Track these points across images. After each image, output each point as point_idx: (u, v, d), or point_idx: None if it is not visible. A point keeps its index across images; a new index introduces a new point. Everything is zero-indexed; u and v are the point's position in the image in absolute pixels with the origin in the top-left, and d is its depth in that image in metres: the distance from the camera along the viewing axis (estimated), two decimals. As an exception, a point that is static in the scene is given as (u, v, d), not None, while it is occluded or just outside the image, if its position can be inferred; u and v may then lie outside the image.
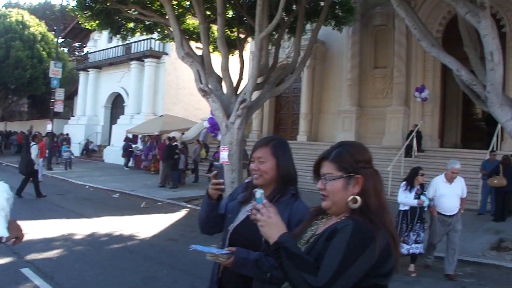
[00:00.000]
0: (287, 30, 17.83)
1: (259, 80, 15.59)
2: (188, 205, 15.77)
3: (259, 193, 2.33)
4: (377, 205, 2.15)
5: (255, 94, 15.62)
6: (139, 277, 7.77)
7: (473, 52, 12.68)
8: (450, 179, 8.77)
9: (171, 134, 24.86)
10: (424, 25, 13.07)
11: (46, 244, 9.77)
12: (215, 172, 3.22)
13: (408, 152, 20.48)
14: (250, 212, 2.28)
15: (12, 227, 2.11)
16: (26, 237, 7.23)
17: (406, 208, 8.96)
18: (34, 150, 16.28)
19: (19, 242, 2.22)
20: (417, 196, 8.79)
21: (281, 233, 2.10)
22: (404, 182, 9.11)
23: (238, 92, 15.22)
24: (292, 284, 2.03)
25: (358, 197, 2.15)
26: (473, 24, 10.90)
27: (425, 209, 9.03)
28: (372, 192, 2.17)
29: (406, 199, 8.92)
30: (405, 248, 8.75)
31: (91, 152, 35.46)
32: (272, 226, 2.14)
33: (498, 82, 10.54)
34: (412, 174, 9.05)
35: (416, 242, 8.88)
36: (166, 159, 20.84)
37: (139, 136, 30.22)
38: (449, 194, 8.77)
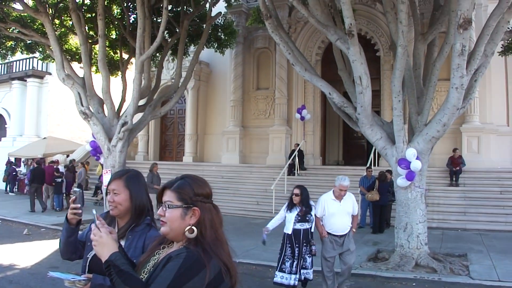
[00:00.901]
0: (170, 51, 17.99)
1: (142, 102, 15.63)
2: None
3: (93, 214, 2.57)
4: (213, 237, 2.37)
5: (137, 116, 15.65)
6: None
7: (346, 75, 13.39)
8: (339, 196, 8.21)
9: (56, 157, 24.31)
10: (299, 50, 13.67)
11: None
12: (73, 197, 3.34)
13: (291, 170, 21.11)
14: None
15: None
16: None
17: (289, 231, 8.28)
18: None
19: None
20: (299, 218, 8.21)
21: (111, 252, 2.32)
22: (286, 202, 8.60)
23: (120, 115, 15.19)
24: None
25: (194, 228, 2.35)
26: (343, 50, 11.56)
27: (312, 230, 8.36)
28: (208, 224, 2.38)
29: (273, 221, 8.61)
30: (287, 278, 8.18)
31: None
32: (103, 245, 2.37)
33: (368, 104, 11.18)
34: (291, 194, 8.50)
35: (303, 267, 8.25)
36: (30, 182, 20.68)
37: (22, 159, 29.28)
38: (339, 212, 8.23)
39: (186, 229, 2.36)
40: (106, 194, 3.23)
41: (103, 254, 2.34)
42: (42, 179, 20.61)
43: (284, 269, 8.22)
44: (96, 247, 2.38)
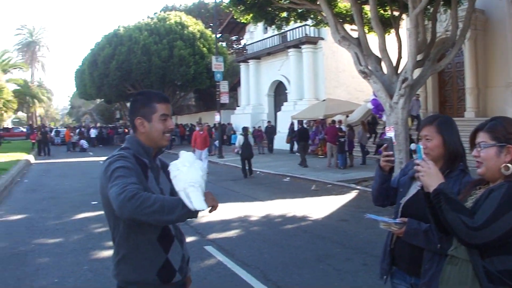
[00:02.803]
0: (442, 2, 17.40)
1: (419, 57, 15.38)
2: (358, 187, 15.82)
3: (418, 149, 2.70)
4: None
5: (416, 72, 15.44)
6: (313, 255, 8.16)
7: None
8: None
9: (336, 118, 25.08)
10: None
11: (225, 225, 10.60)
12: (385, 145, 3.46)
13: None
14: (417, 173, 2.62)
15: (208, 198, 2.49)
16: (206, 219, 9.41)
17: None
18: (250, 139, 19.97)
19: (214, 210, 2.57)
20: None
21: (440, 182, 2.46)
22: None
23: (398, 72, 15.10)
24: (449, 225, 2.36)
25: (510, 165, 2.44)
26: None
27: None
28: None
29: None
30: None
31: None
32: (431, 176, 2.50)
33: None
34: None
35: None
36: (298, 141, 23.70)
37: (304, 121, 30.75)
38: None
39: (501, 167, 2.45)
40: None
41: (431, 183, 2.46)
42: (307, 137, 24.07)
43: None
44: (423, 177, 2.51)
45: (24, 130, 66.43)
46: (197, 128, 21.45)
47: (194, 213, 2.42)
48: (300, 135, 23.69)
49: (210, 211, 2.54)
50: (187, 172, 2.53)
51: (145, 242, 2.80)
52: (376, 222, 3.16)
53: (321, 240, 9.31)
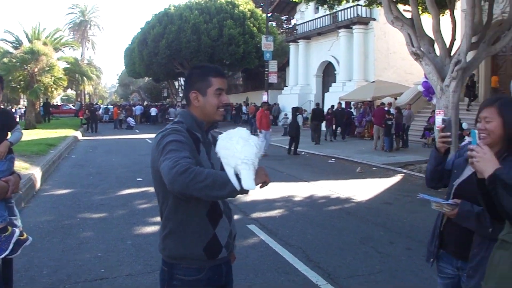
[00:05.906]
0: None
1: (473, 39, 14.95)
2: (403, 170, 15.72)
3: (473, 134, 2.61)
4: None
5: (470, 55, 15.00)
6: (356, 237, 8.08)
7: None
8: None
9: (385, 100, 24.81)
10: None
11: (268, 204, 10.54)
12: (443, 125, 3.32)
13: None
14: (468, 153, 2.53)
15: (260, 174, 2.44)
16: (250, 198, 9.13)
17: None
18: (299, 118, 20.52)
19: (265, 186, 2.50)
20: None
21: (495, 167, 2.35)
22: None
23: (451, 54, 14.74)
24: (505, 210, 2.27)
25: None
26: None
27: None
28: None
29: None
30: None
31: (305, 119, 35.95)
32: (487, 161, 2.40)
33: None
34: None
35: None
36: (311, 120, 25.78)
37: (352, 102, 30.52)
38: None
39: None
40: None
41: (487, 169, 2.37)
42: (321, 118, 25.27)
43: None
44: (478, 163, 2.42)
45: (73, 107, 68.03)
46: (253, 107, 22.08)
47: (245, 190, 2.36)
48: (314, 114, 25.00)
49: (261, 187, 2.48)
50: (242, 149, 2.47)
51: (194, 217, 2.79)
52: (427, 203, 3.13)
53: (364, 222, 9.21)
